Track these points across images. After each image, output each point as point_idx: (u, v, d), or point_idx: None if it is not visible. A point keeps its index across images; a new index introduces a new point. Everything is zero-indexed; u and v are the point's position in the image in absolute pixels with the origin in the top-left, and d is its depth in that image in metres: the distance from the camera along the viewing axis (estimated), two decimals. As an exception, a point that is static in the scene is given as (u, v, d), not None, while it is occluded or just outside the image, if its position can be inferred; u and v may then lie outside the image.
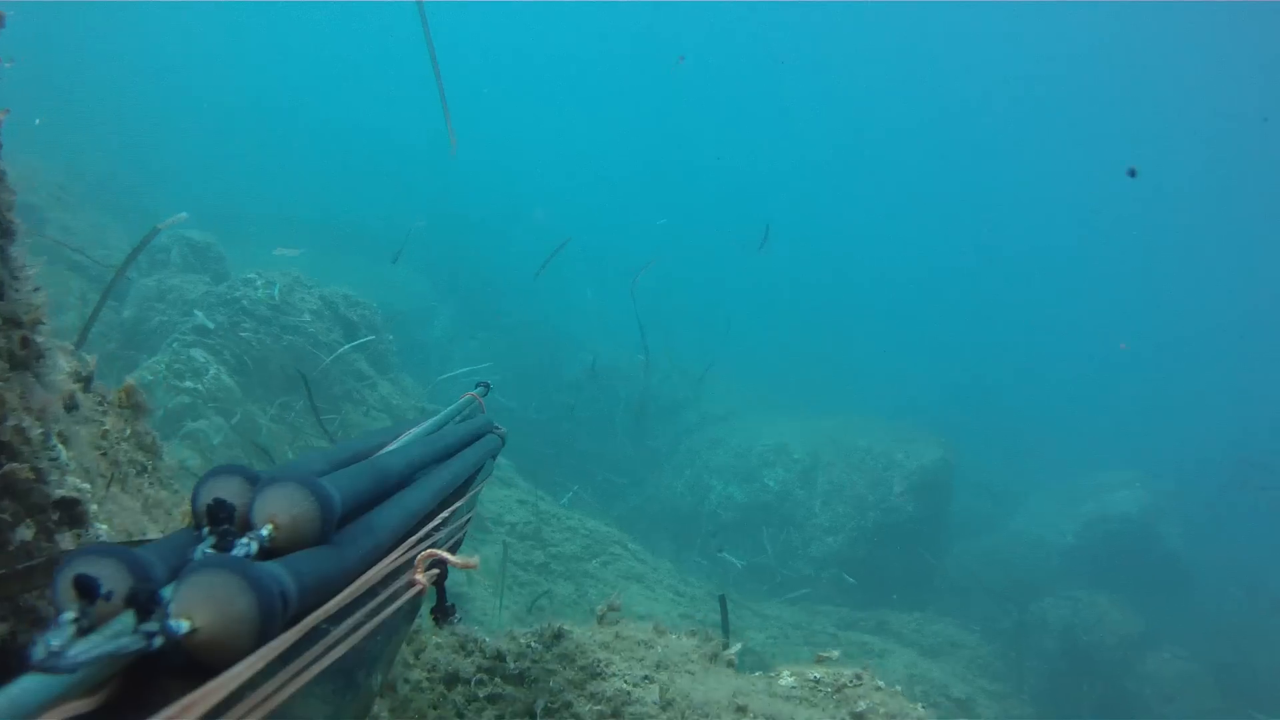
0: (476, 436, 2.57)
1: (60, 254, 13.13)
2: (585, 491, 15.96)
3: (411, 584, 1.54)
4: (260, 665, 1.13)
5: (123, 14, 39.68)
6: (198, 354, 10.52)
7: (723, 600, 6.71)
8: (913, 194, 53.88)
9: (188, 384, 10.01)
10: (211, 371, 10.34)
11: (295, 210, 26.45)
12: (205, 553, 1.30)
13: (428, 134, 35.99)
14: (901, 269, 45.81)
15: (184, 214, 6.66)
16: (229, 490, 1.43)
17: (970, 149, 54.02)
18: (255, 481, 1.45)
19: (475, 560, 1.62)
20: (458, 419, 2.71)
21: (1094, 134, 50.77)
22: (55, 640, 1.01)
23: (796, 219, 44.54)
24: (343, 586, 1.41)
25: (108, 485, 2.63)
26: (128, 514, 2.66)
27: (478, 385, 3.19)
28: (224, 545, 1.31)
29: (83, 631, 1.04)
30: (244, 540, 1.33)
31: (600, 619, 4.03)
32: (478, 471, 2.42)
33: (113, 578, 1.15)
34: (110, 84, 32.23)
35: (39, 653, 1.00)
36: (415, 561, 1.59)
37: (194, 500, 1.43)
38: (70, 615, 1.05)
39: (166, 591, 1.17)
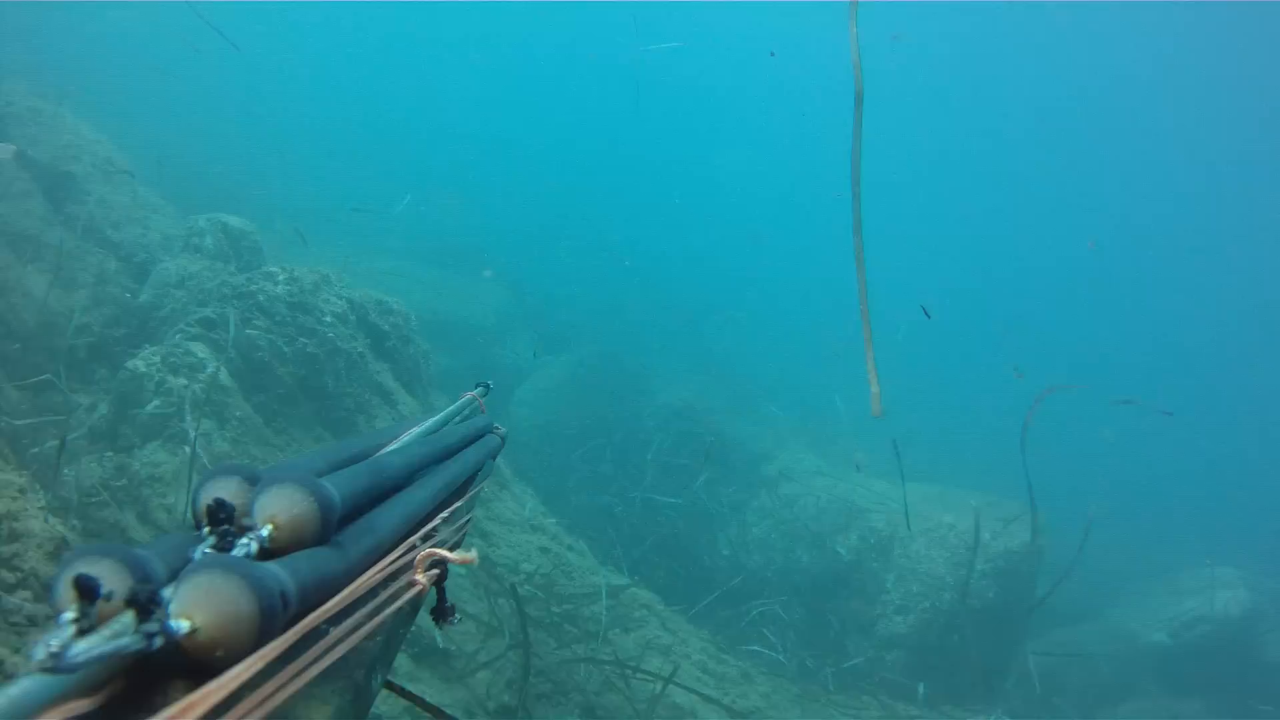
0: (477, 436, 2.57)
1: (96, 231, 12.42)
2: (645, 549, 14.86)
3: (411, 584, 1.54)
4: (260, 666, 1.13)
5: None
6: (198, 349, 9.59)
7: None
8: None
9: (181, 381, 9.07)
10: (209, 369, 9.37)
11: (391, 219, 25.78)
12: (205, 553, 1.30)
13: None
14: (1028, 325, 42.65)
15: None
16: (229, 490, 1.44)
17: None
18: (255, 482, 1.45)
19: (473, 555, 1.62)
20: (458, 419, 2.68)
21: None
22: (55, 640, 1.01)
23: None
24: (343, 587, 1.42)
25: None
26: None
27: (478, 385, 3.14)
28: (224, 545, 1.32)
29: (83, 632, 1.04)
30: (244, 540, 1.34)
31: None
32: (478, 472, 2.42)
33: (113, 578, 1.15)
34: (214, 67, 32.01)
35: (39, 653, 0.99)
36: (415, 562, 1.59)
37: (194, 500, 1.44)
38: (70, 615, 1.05)
39: (167, 592, 1.17)
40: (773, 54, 49.35)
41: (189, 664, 1.15)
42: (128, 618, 1.07)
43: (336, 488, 1.49)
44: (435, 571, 1.60)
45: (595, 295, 26.14)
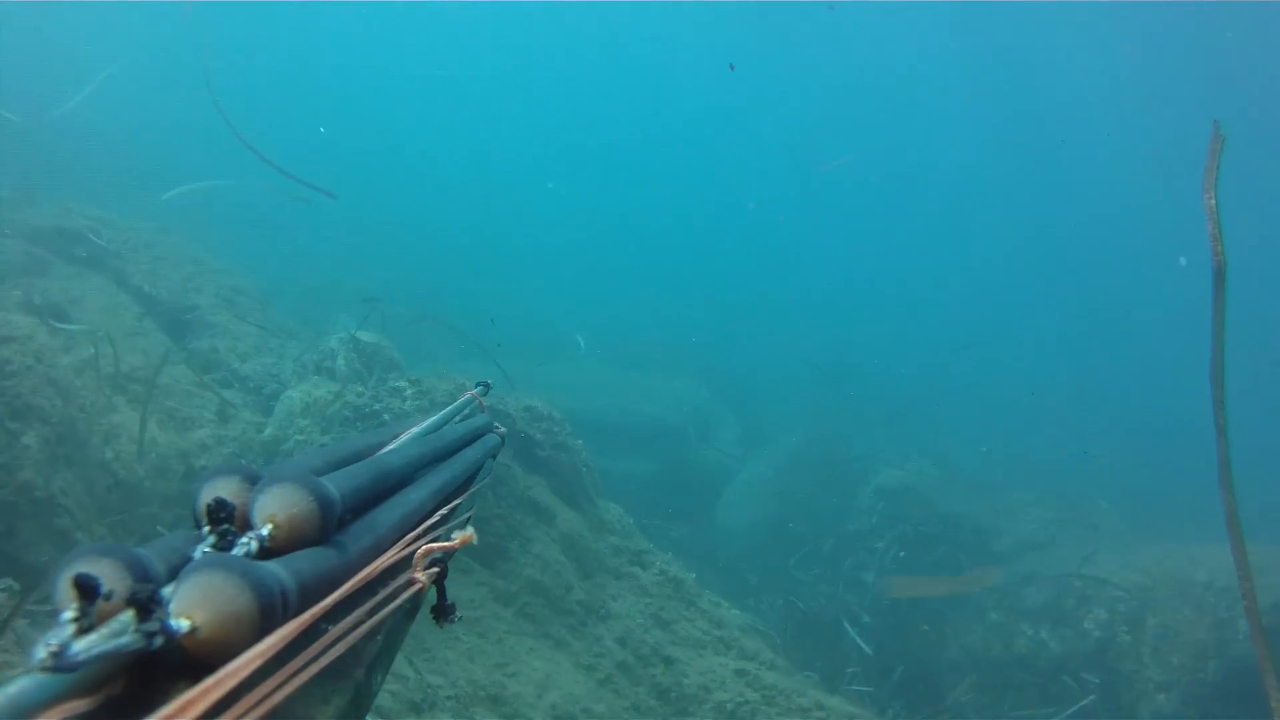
0: (476, 436, 2.55)
1: (221, 364, 11.69)
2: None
3: (411, 582, 1.52)
4: (259, 663, 1.10)
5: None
6: (316, 482, 8.46)
7: None
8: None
9: (289, 520, 7.93)
10: (321, 504, 8.26)
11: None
12: (205, 552, 1.29)
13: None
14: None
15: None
16: (229, 489, 1.42)
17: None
18: (256, 481, 1.43)
19: (469, 533, 1.60)
20: (457, 418, 2.67)
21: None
22: (54, 640, 1.00)
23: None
24: (343, 585, 1.39)
25: None
26: None
27: (478, 384, 3.08)
28: (224, 544, 1.31)
29: (82, 631, 1.03)
30: (244, 540, 1.32)
31: None
32: (478, 471, 2.41)
33: (113, 577, 1.14)
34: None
35: (38, 652, 0.99)
36: (414, 559, 1.56)
37: (194, 500, 1.41)
38: (70, 614, 1.04)
39: (166, 591, 1.16)
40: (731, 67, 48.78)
41: (189, 663, 1.12)
42: (127, 617, 1.05)
43: (336, 487, 1.47)
44: (435, 569, 1.57)
45: (796, 387, 25.06)
